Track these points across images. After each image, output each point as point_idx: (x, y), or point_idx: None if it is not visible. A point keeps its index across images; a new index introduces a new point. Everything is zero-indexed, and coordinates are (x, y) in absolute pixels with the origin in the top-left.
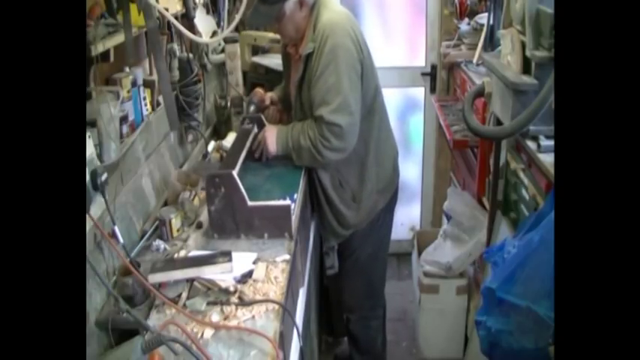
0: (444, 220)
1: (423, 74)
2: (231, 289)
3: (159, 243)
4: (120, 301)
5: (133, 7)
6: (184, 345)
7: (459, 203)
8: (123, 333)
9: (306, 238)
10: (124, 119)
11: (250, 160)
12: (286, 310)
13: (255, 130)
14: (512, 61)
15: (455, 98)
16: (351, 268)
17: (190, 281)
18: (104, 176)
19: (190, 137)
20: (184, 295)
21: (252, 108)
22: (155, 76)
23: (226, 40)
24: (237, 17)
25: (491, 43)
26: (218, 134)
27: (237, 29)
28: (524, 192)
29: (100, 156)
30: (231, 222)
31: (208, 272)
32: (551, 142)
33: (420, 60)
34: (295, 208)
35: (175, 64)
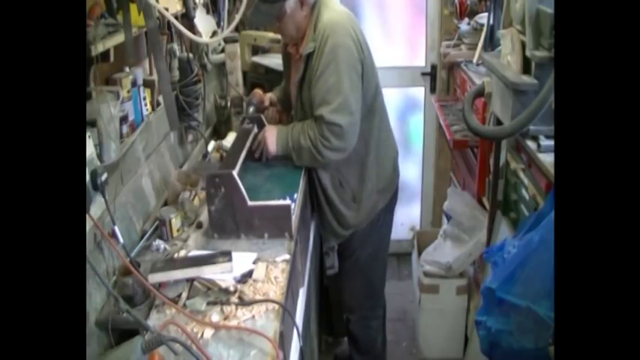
0: (444, 220)
1: (423, 74)
2: (231, 289)
3: (159, 243)
4: (120, 301)
5: (133, 7)
6: (184, 345)
7: (459, 203)
8: (123, 333)
9: (306, 238)
10: (124, 119)
11: (250, 160)
12: (286, 310)
13: (255, 129)
14: (512, 61)
15: (455, 98)
16: (351, 268)
17: (190, 281)
18: (104, 176)
19: (190, 137)
20: (184, 295)
21: (251, 109)
22: (155, 76)
23: (226, 40)
24: (237, 17)
25: (491, 43)
26: (218, 134)
27: (237, 29)
28: (524, 192)
29: (100, 156)
30: (231, 222)
31: (208, 272)
32: (551, 142)
33: (420, 60)
34: (295, 208)
35: (175, 64)
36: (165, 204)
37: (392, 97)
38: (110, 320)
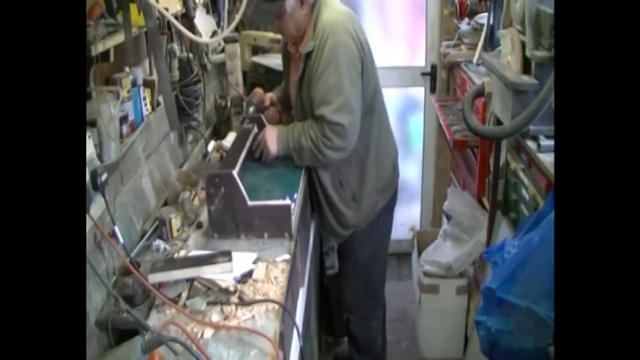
0: (444, 220)
1: (423, 74)
2: (231, 289)
3: (159, 243)
4: (120, 301)
5: (133, 7)
6: (184, 345)
7: (459, 203)
8: (123, 333)
9: (306, 238)
10: (124, 119)
11: (250, 160)
12: (286, 310)
13: (255, 129)
14: (512, 61)
15: (455, 98)
16: (351, 268)
17: (190, 281)
18: (104, 176)
19: (190, 137)
20: (184, 295)
21: (251, 109)
22: (155, 76)
23: (226, 40)
24: (237, 17)
25: (491, 43)
26: (218, 134)
27: (237, 29)
28: (524, 192)
29: (100, 156)
30: (231, 222)
31: (208, 272)
32: (551, 142)
33: (420, 60)
34: (295, 208)
35: (175, 64)
36: (165, 204)
37: (392, 97)
38: (110, 320)
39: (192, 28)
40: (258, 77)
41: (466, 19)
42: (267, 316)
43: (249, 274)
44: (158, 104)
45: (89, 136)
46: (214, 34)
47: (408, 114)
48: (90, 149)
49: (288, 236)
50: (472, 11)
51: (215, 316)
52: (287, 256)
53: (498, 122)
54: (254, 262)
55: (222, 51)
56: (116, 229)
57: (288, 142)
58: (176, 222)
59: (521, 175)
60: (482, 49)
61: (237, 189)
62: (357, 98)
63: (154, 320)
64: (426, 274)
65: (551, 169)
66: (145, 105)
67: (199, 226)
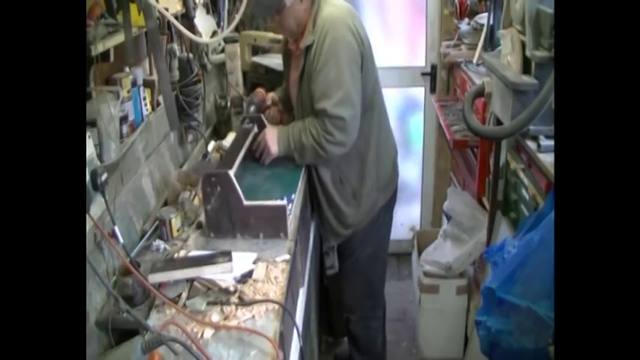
0: (444, 220)
1: (423, 74)
2: (231, 289)
3: (159, 243)
4: (120, 301)
5: (133, 7)
6: (184, 345)
7: (459, 203)
8: (123, 333)
9: (306, 238)
10: (124, 119)
11: (250, 159)
12: (286, 310)
13: (255, 129)
14: (512, 61)
15: (455, 98)
16: (350, 268)
17: (190, 281)
18: (104, 176)
19: (190, 137)
20: (184, 295)
21: (252, 108)
22: (155, 76)
23: (226, 40)
24: (237, 17)
25: (491, 43)
26: (218, 134)
27: (237, 29)
28: (524, 192)
29: (100, 156)
30: (227, 221)
31: (208, 272)
32: (551, 142)
33: (420, 60)
34: (293, 209)
35: (175, 64)
36: (166, 204)
37: (392, 97)
38: (110, 320)
39: (192, 28)
40: (258, 77)
41: (466, 19)
42: (267, 316)
43: (249, 274)
44: (158, 104)
45: (89, 136)
46: (214, 34)
47: (408, 114)
48: (90, 149)
49: (283, 236)
50: (472, 11)
51: (215, 316)
52: (287, 256)
53: (498, 122)
54: (254, 262)
55: (222, 51)
56: (116, 229)
57: (289, 141)
58: (176, 222)
59: (521, 175)
60: (482, 49)
61: (233, 189)
62: (357, 92)
63: (154, 320)
64: (426, 274)
65: (551, 169)
66: (145, 105)
67: (199, 226)
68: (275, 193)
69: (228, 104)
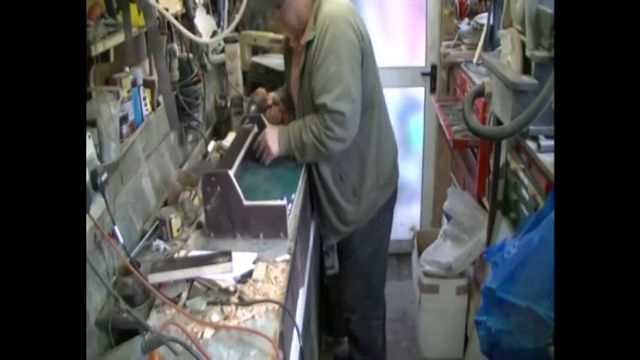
0: (444, 220)
1: (423, 74)
2: (231, 289)
3: (159, 243)
4: (120, 301)
5: (133, 7)
6: (184, 345)
7: (459, 203)
8: (123, 333)
9: (306, 238)
10: (124, 119)
11: (250, 159)
12: (286, 310)
13: (256, 129)
14: (512, 61)
15: (455, 98)
16: (351, 268)
17: (190, 281)
18: (104, 176)
19: (190, 137)
20: (184, 295)
21: (253, 107)
22: (155, 76)
23: (226, 40)
24: (237, 17)
25: (491, 43)
26: (218, 134)
27: (237, 29)
28: (524, 192)
29: (100, 156)
30: (227, 221)
31: (208, 272)
32: (551, 142)
33: (420, 60)
34: (293, 208)
35: (175, 64)
36: (166, 204)
37: (392, 97)
38: (110, 320)
39: (192, 28)
40: (258, 77)
41: (466, 19)
42: (267, 316)
43: (249, 274)
44: (158, 104)
45: (89, 136)
46: (214, 34)
47: (408, 114)
48: (90, 149)
49: (283, 236)
50: (472, 11)
51: (215, 316)
52: (287, 256)
53: (498, 122)
54: (254, 262)
55: (222, 51)
56: (116, 229)
57: (290, 140)
58: (176, 222)
59: (521, 175)
60: (482, 49)
61: (233, 188)
62: (357, 88)
63: (154, 320)
64: (426, 274)
65: (551, 169)
66: (145, 105)
67: (199, 226)
68: (275, 193)
69: (228, 104)
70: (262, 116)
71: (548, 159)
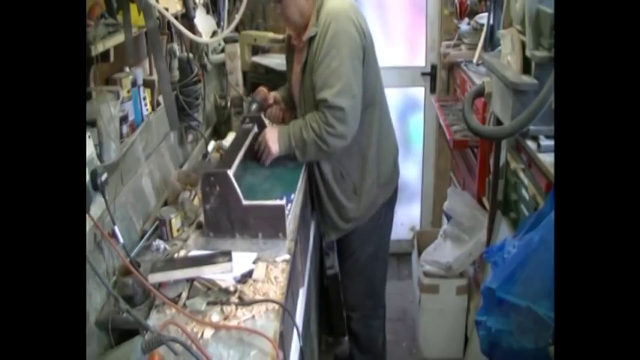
0: (444, 220)
1: (423, 74)
2: (231, 289)
3: (159, 243)
4: (120, 301)
5: (133, 7)
6: (184, 345)
7: (459, 203)
8: (123, 333)
9: (306, 238)
10: (124, 119)
11: (250, 159)
12: (286, 310)
13: (255, 129)
14: (512, 61)
15: (455, 98)
16: (351, 268)
17: (190, 281)
18: (104, 176)
19: (190, 137)
20: (184, 295)
21: (254, 106)
22: (155, 76)
23: (226, 40)
24: (237, 17)
25: (491, 43)
26: (218, 134)
27: (237, 29)
28: (524, 192)
29: (100, 156)
30: (226, 221)
31: (208, 272)
32: (551, 142)
33: (420, 60)
34: (292, 208)
35: (175, 64)
36: (166, 204)
37: (392, 97)
38: (110, 320)
39: (192, 28)
40: (258, 77)
41: (466, 19)
42: (267, 316)
43: (249, 274)
44: (158, 104)
45: (89, 136)
46: (214, 34)
47: (408, 114)
48: (90, 149)
49: (282, 236)
50: (472, 11)
51: (215, 316)
52: (287, 256)
53: (498, 122)
54: (254, 262)
55: (222, 51)
56: (116, 229)
57: (290, 140)
58: (176, 222)
59: (521, 175)
60: (482, 49)
61: (232, 188)
62: (358, 84)
63: (154, 320)
64: (426, 274)
65: (551, 169)
66: (145, 105)
67: (199, 226)
68: (275, 193)
69: (228, 104)
70: (262, 116)
71: (548, 159)
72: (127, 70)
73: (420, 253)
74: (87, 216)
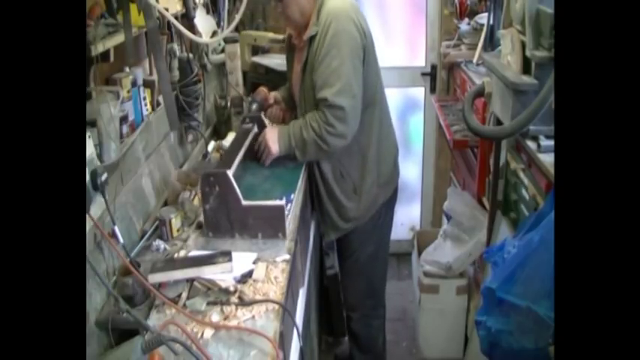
0: (444, 220)
1: (423, 74)
2: (231, 289)
3: (159, 243)
4: (120, 301)
5: (133, 7)
6: (184, 345)
7: (459, 203)
8: (123, 333)
9: (306, 238)
10: (124, 119)
11: (250, 159)
12: (286, 310)
13: (256, 129)
14: (512, 61)
15: (455, 98)
16: (351, 268)
17: (190, 281)
18: (104, 176)
19: (190, 137)
20: (184, 295)
21: (254, 106)
22: (155, 76)
23: (226, 40)
24: (237, 17)
25: (491, 43)
26: (218, 134)
27: (237, 29)
28: (524, 192)
29: (100, 156)
30: (225, 221)
31: (208, 272)
32: (551, 142)
33: (420, 60)
34: (292, 208)
35: (175, 64)
36: (166, 204)
37: (392, 97)
38: (110, 320)
39: (192, 28)
40: (258, 77)
41: (466, 19)
42: (267, 316)
43: (249, 274)
44: (158, 104)
45: (89, 136)
46: (214, 34)
47: (408, 114)
48: (90, 149)
49: (281, 236)
50: (472, 11)
51: (215, 316)
52: (287, 256)
53: (498, 122)
54: (254, 262)
55: (222, 51)
56: (116, 229)
57: (290, 139)
58: (176, 222)
59: (521, 175)
60: (482, 49)
61: (232, 188)
62: (358, 84)
63: (154, 320)
64: (426, 274)
65: (551, 169)
66: (145, 105)
67: (199, 226)
68: (274, 193)
69: (228, 104)
70: (262, 116)
71: (548, 159)
72: (127, 70)
73: (420, 253)
74: (87, 216)
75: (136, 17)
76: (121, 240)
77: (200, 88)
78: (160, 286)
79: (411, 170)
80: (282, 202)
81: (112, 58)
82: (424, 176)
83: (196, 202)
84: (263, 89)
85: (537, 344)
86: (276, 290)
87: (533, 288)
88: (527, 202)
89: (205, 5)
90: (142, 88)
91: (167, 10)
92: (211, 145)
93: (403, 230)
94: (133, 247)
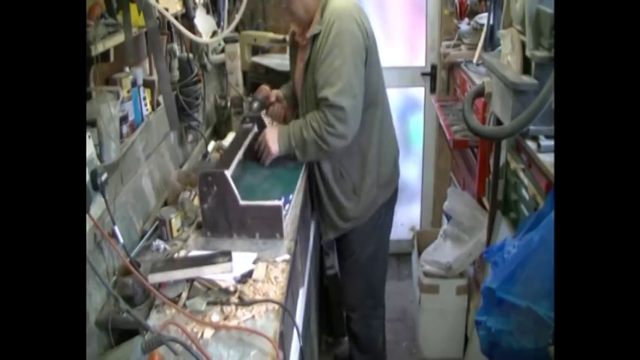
0: (444, 220)
1: (423, 74)
2: (231, 289)
3: (159, 243)
4: (120, 301)
5: (133, 7)
6: (184, 345)
7: (459, 203)
8: (123, 333)
9: (306, 238)
10: (124, 119)
11: (250, 159)
12: (286, 310)
13: (255, 129)
14: (512, 61)
15: (455, 98)
16: (351, 268)
17: (190, 281)
18: (104, 176)
19: (190, 137)
20: (184, 295)
21: (256, 104)
22: (155, 76)
23: (226, 40)
24: (237, 17)
25: (491, 43)
26: (218, 134)
27: (237, 29)
28: (524, 192)
29: (100, 156)
30: (223, 220)
31: (208, 272)
32: (551, 142)
33: (420, 60)
34: (292, 208)
35: (175, 64)
36: (166, 204)
37: (392, 97)
38: (110, 320)
39: (192, 28)
40: (258, 77)
41: (466, 19)
42: (267, 316)
43: (249, 274)
44: (158, 104)
45: (89, 136)
46: (214, 34)
47: (408, 114)
48: (90, 149)
49: (279, 237)
50: (472, 11)
51: (215, 316)
52: (287, 256)
53: (498, 122)
54: (254, 262)
55: (222, 51)
56: (116, 229)
57: (290, 139)
58: (176, 222)
59: (521, 175)
60: (483, 49)
61: (229, 188)
62: (359, 84)
63: (154, 320)
64: (426, 274)
65: (551, 169)
66: (145, 105)
67: (199, 226)
68: (274, 193)
69: (228, 104)
70: (262, 116)
71: (548, 159)
72: (127, 70)
73: (420, 253)
74: (87, 216)
75: (136, 17)
76: (121, 240)
77: (200, 88)
78: (160, 286)
79: (411, 170)
80: (280, 202)
81: (112, 58)
82: (424, 176)
83: (196, 202)
84: (265, 87)
85: (537, 344)
86: (276, 290)
87: (533, 288)
88: (527, 202)
89: (205, 5)
90: (142, 88)
91: (167, 10)
92: (211, 145)
93: (403, 230)
94: (133, 247)
